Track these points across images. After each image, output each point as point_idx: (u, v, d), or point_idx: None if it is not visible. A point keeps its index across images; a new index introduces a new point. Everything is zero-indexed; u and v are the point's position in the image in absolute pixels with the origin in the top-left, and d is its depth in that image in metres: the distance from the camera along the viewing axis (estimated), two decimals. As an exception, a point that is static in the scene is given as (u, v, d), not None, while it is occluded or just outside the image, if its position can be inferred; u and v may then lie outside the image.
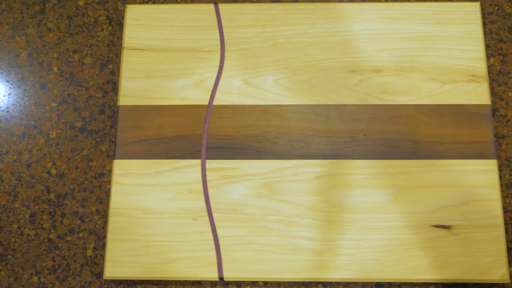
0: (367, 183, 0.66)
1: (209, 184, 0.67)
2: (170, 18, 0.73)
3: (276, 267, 0.64)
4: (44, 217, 0.69)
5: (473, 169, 0.66)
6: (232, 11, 0.73)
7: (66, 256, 0.67)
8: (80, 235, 0.68)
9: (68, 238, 0.68)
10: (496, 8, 0.74)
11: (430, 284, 0.65)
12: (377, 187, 0.66)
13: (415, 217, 0.65)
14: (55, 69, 0.74)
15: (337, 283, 0.65)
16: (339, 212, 0.66)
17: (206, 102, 0.70)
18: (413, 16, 0.72)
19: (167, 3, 0.76)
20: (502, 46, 0.73)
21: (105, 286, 0.66)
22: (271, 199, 0.66)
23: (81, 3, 0.77)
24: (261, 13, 0.73)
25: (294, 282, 0.66)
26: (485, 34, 0.73)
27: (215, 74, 0.71)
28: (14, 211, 0.69)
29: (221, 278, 0.64)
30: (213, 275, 0.64)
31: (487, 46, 0.73)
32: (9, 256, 0.67)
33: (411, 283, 0.65)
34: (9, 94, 0.73)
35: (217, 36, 0.72)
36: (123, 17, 0.76)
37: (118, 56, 0.74)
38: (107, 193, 0.69)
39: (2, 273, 0.66)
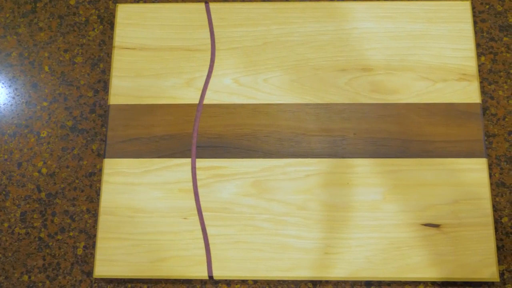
0: (357, 182, 0.67)
1: (199, 183, 0.67)
2: (161, 17, 0.73)
3: (265, 266, 0.64)
4: (35, 216, 0.69)
5: (463, 168, 0.66)
6: (222, 10, 0.73)
7: (57, 255, 0.67)
8: (71, 234, 0.68)
9: (59, 237, 0.68)
10: (487, 6, 0.74)
11: (419, 282, 0.65)
12: (367, 185, 0.66)
13: (404, 215, 0.65)
14: (46, 68, 0.74)
15: (327, 282, 0.66)
16: (329, 210, 0.66)
17: (196, 101, 0.70)
18: (404, 15, 0.72)
19: (158, 2, 0.76)
20: (493, 45, 0.73)
21: (95, 285, 0.66)
22: (261, 198, 0.66)
23: (72, 2, 0.77)
24: (252, 12, 0.73)
25: (284, 281, 0.66)
26: (476, 32, 0.73)
27: (206, 73, 0.71)
28: (4, 210, 0.69)
29: (210, 277, 0.64)
30: (202, 274, 0.64)
31: (478, 45, 0.73)
32: (0, 255, 0.67)
33: (400, 281, 0.65)
34: (0, 93, 0.73)
35: (208, 35, 0.72)
36: (114, 16, 0.76)
37: (109, 55, 0.74)
38: (98, 192, 0.69)
39: (-7, 272, 0.67)
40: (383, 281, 0.65)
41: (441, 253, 0.64)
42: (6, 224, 0.68)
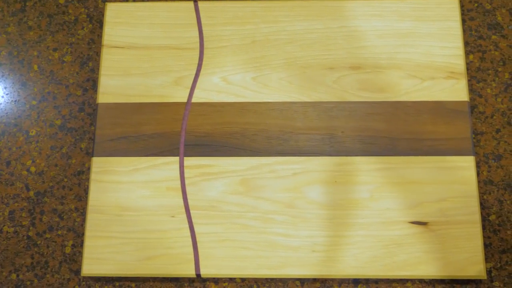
0: (345, 180, 0.67)
1: (187, 181, 0.67)
2: (149, 16, 0.73)
3: (253, 264, 0.64)
4: (23, 214, 0.69)
5: (451, 166, 0.67)
6: (211, 9, 0.73)
7: (45, 253, 0.67)
8: (59, 232, 0.68)
9: (47, 235, 0.68)
10: (476, 5, 0.74)
11: (407, 280, 0.65)
12: (355, 183, 0.66)
13: (392, 213, 0.65)
14: (35, 67, 0.74)
15: (314, 280, 0.66)
16: (316, 209, 0.66)
17: (185, 100, 0.70)
18: (392, 13, 0.72)
19: (147, 1, 0.76)
20: (482, 43, 0.73)
21: (83, 283, 0.66)
22: (249, 196, 0.66)
23: (61, 1, 0.77)
24: (241, 11, 0.73)
25: (272, 279, 0.66)
26: (464, 31, 0.73)
27: (194, 72, 0.71)
28: (-7, 209, 0.69)
29: (198, 275, 0.64)
30: (190, 272, 0.64)
31: (467, 43, 0.73)
32: (-12, 254, 0.67)
33: (388, 279, 0.65)
34: (-11, 92, 0.73)
35: (197, 33, 0.72)
36: (103, 15, 0.76)
37: (98, 54, 0.75)
38: (86, 191, 0.69)
39: (-19, 270, 0.67)
40: (371, 279, 0.65)
41: (429, 251, 0.64)
42: (-6, 223, 0.69)
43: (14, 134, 0.71)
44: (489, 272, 0.65)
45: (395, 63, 0.70)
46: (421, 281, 0.65)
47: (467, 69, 0.72)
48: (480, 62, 0.72)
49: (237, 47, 0.72)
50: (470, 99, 0.71)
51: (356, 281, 0.65)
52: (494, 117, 0.70)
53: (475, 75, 0.72)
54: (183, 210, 0.66)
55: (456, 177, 0.66)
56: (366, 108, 0.69)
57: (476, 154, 0.69)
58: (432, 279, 0.65)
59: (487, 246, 0.66)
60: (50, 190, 0.69)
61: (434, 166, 0.67)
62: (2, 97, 0.73)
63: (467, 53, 0.72)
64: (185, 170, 0.68)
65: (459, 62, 0.70)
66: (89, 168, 0.70)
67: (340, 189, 0.66)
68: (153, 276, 0.65)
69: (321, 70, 0.70)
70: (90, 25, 0.76)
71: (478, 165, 0.69)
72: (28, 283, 0.66)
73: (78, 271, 0.67)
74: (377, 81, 0.70)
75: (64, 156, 0.71)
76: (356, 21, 0.72)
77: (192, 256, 0.65)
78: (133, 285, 0.66)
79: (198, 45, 0.72)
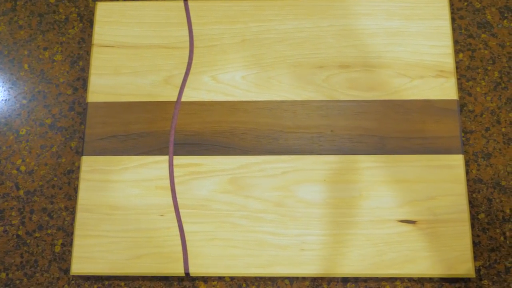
0: (334, 179, 0.67)
1: (176, 180, 0.67)
2: (139, 15, 0.73)
3: (242, 263, 0.64)
4: (13, 213, 0.69)
5: (440, 164, 0.67)
6: (201, 8, 0.73)
7: (35, 252, 0.67)
8: (49, 231, 0.68)
9: (37, 234, 0.68)
10: (466, 3, 0.74)
11: (396, 279, 0.65)
12: (344, 182, 0.67)
13: (380, 212, 0.65)
14: (26, 66, 0.74)
15: (304, 278, 0.66)
16: (305, 207, 0.66)
17: (174, 99, 0.70)
18: (381, 11, 0.72)
19: (137, 0, 0.76)
20: (471, 42, 0.73)
21: (73, 282, 0.66)
22: (238, 195, 0.66)
23: (52, 0, 0.77)
24: (231, 10, 0.73)
25: (261, 277, 0.66)
26: (454, 29, 0.73)
27: (184, 71, 0.71)
28: (-17, 208, 0.69)
29: (187, 274, 0.64)
30: (179, 271, 0.64)
31: (456, 42, 0.73)
32: (-22, 253, 0.68)
33: (377, 278, 0.65)
34: (-21, 91, 0.73)
35: (186, 32, 0.72)
36: (93, 14, 0.76)
37: (88, 53, 0.75)
38: (76, 190, 0.69)
39: (-30, 269, 0.67)
40: (360, 277, 0.65)
41: (418, 249, 0.64)
42: (-16, 222, 0.69)
43: (4, 133, 0.71)
44: (478, 270, 0.65)
45: (385, 62, 0.70)
46: (410, 279, 0.65)
47: (457, 67, 0.72)
48: (469, 60, 0.72)
49: (227, 46, 0.72)
50: (460, 97, 0.71)
51: (345, 279, 0.65)
52: (484, 115, 0.70)
53: (464, 73, 0.72)
54: (172, 209, 0.66)
55: (445, 176, 0.66)
56: (356, 107, 0.69)
57: (465, 152, 0.69)
58: (421, 278, 0.65)
59: (476, 244, 0.66)
60: (39, 189, 0.69)
61: (424, 164, 0.67)
62: (-8, 96, 0.73)
63: (456, 52, 0.73)
64: (175, 169, 0.68)
65: (448, 61, 0.70)
66: (78, 167, 0.70)
67: (329, 188, 0.66)
68: (142, 275, 0.65)
69: (310, 69, 0.70)
70: (81, 24, 0.76)
71: (467, 164, 0.69)
72: (18, 282, 0.66)
73: (67, 270, 0.67)
74: (366, 80, 0.70)
75: (54, 155, 0.71)
76: (345, 20, 0.72)
77: (181, 255, 0.65)
78: (122, 284, 0.66)
79: (188, 44, 0.72)
